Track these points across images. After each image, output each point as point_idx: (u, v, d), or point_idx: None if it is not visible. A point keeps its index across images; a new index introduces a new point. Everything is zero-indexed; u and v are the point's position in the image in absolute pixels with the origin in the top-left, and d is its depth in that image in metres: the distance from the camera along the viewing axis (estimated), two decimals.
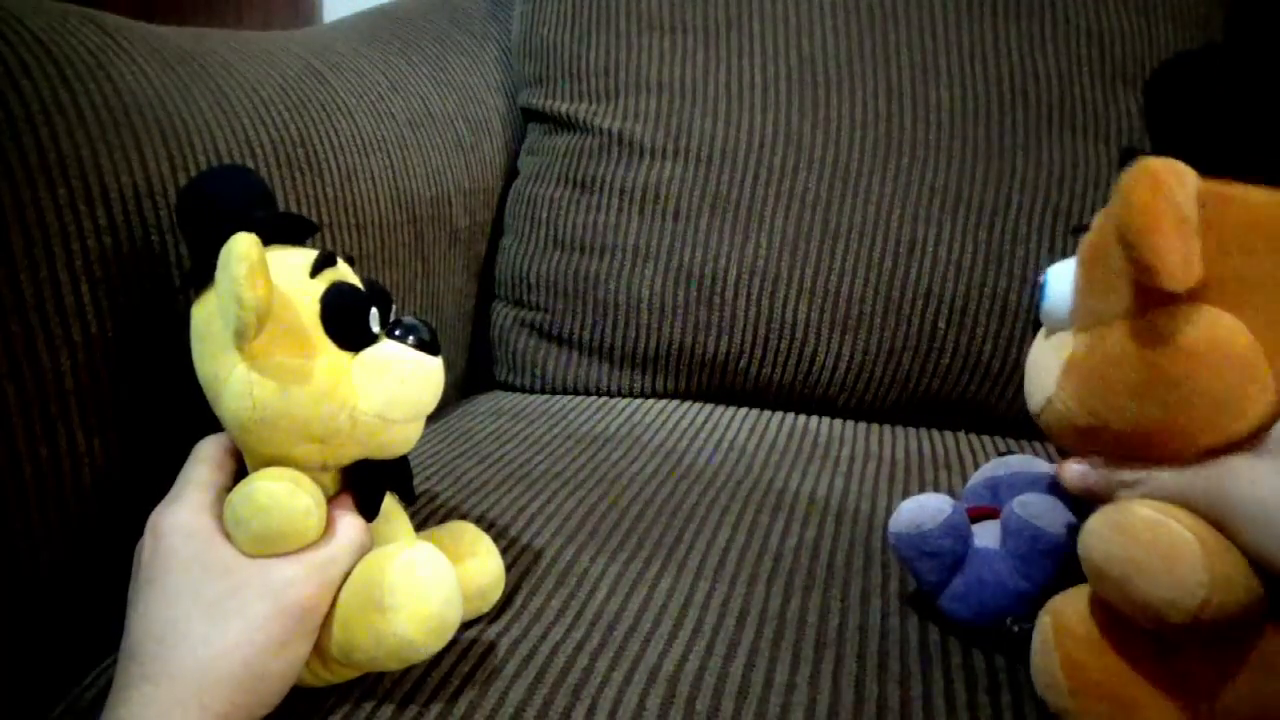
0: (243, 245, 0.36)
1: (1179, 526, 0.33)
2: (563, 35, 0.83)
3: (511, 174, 0.88)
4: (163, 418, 0.48)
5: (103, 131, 0.47)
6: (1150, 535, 0.33)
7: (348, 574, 0.39)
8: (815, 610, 0.47)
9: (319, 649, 0.38)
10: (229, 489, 0.40)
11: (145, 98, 0.50)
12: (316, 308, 0.39)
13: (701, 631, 0.45)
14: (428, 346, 0.41)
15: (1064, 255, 0.41)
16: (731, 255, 0.76)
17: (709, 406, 0.78)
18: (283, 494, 0.37)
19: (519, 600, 0.48)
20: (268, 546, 0.38)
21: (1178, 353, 0.34)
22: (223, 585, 0.36)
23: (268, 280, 0.36)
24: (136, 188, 0.47)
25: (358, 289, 0.41)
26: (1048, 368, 0.39)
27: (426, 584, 0.38)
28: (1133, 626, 0.35)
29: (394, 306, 0.43)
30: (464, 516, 0.56)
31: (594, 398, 0.79)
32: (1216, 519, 0.33)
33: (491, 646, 0.44)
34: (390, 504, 0.45)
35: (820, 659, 0.44)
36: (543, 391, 0.82)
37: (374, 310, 0.41)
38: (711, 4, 0.80)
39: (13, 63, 0.44)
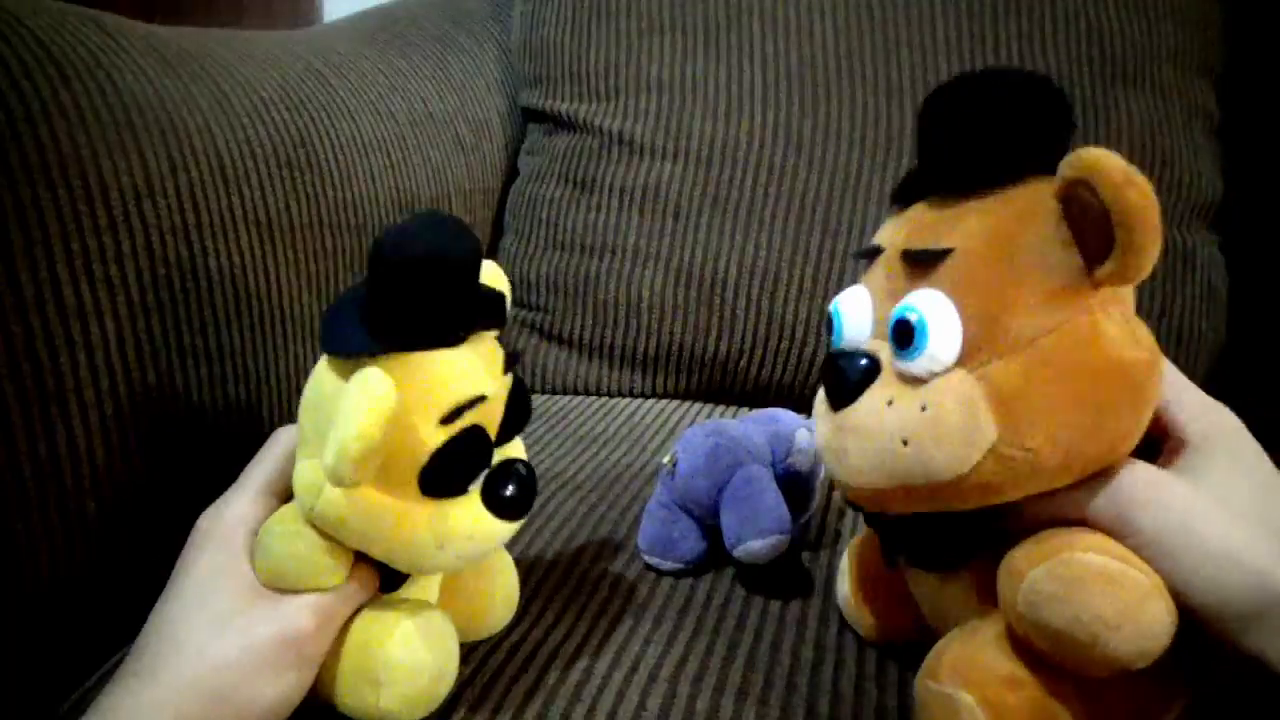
0: (369, 417, 0.32)
1: (1135, 572, 0.31)
2: (563, 35, 0.83)
3: (511, 174, 0.88)
4: (163, 417, 0.48)
5: (103, 131, 0.47)
6: (1113, 587, 0.30)
7: (353, 615, 0.38)
8: (815, 614, 0.47)
9: (316, 676, 0.38)
10: (288, 490, 0.39)
11: (145, 98, 0.50)
12: (424, 461, 0.35)
13: (701, 632, 0.45)
14: (514, 507, 0.38)
15: None
16: (731, 255, 0.76)
17: (709, 406, 0.78)
18: (317, 549, 0.36)
19: (519, 600, 0.47)
20: (282, 584, 0.37)
21: (1141, 353, 0.32)
22: (233, 603, 0.36)
23: (376, 462, 0.33)
24: (136, 188, 0.47)
25: (478, 447, 0.36)
26: (947, 422, 0.32)
27: (421, 662, 0.37)
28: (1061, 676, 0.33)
29: (522, 428, 0.39)
30: None
31: (594, 398, 0.79)
32: (1116, 526, 0.32)
33: (492, 647, 0.44)
34: None
35: (820, 662, 0.44)
36: (543, 391, 0.82)
37: (482, 475, 0.37)
38: (711, 4, 0.80)
39: (13, 63, 0.44)
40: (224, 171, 0.54)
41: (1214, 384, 0.34)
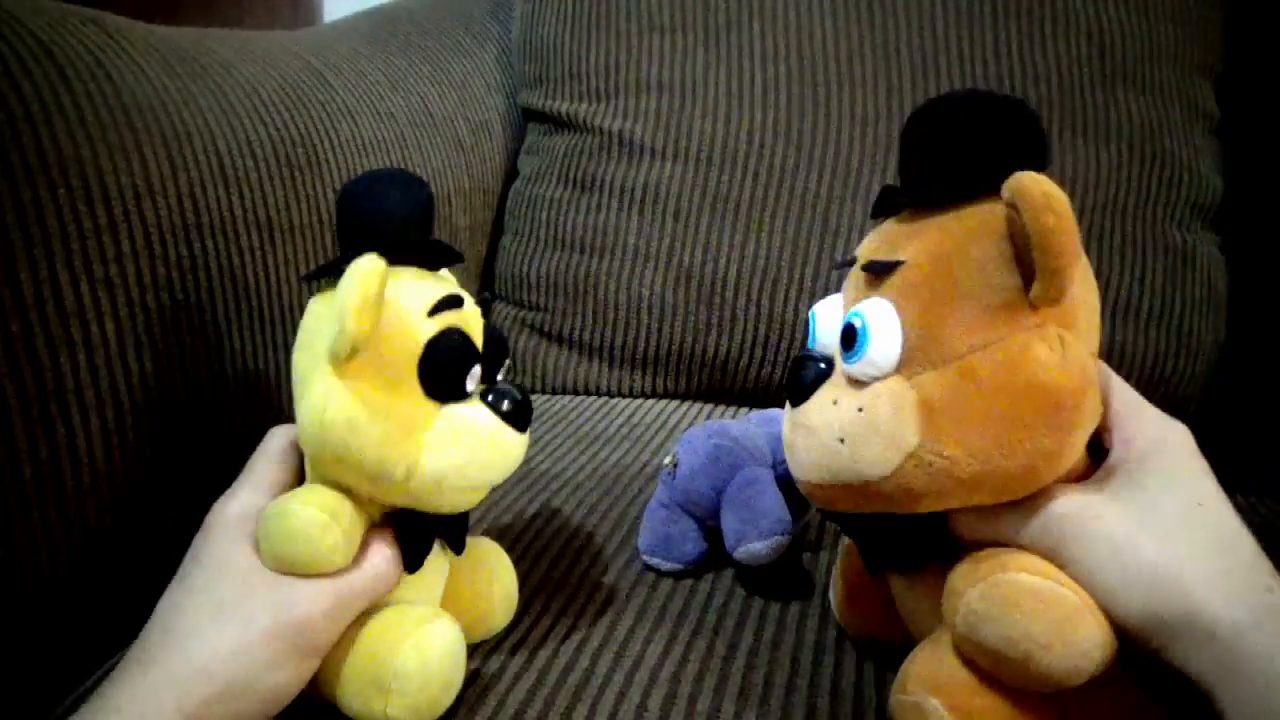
0: (363, 275, 0.34)
1: (1065, 591, 0.32)
2: (563, 35, 0.83)
3: (511, 174, 0.88)
4: (163, 418, 0.48)
5: (103, 131, 0.47)
6: (1043, 606, 0.31)
7: (363, 608, 0.38)
8: (815, 615, 0.47)
9: (319, 675, 0.38)
10: (289, 484, 0.40)
11: (145, 98, 0.50)
12: (419, 351, 0.37)
13: (702, 632, 0.45)
14: (515, 418, 0.39)
15: None
16: (731, 255, 0.76)
17: (709, 406, 0.78)
18: (316, 526, 0.36)
19: (520, 601, 0.47)
20: (287, 568, 0.37)
21: (1068, 376, 0.32)
22: (233, 589, 0.36)
23: (376, 316, 0.34)
24: (136, 188, 0.47)
25: (466, 342, 0.38)
26: (877, 423, 0.34)
27: (432, 673, 0.37)
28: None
29: (506, 363, 0.41)
30: None
31: (594, 398, 0.79)
32: (1049, 555, 0.33)
33: (492, 647, 0.44)
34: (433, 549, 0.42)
35: (820, 662, 0.44)
36: (543, 391, 0.82)
37: (476, 369, 0.39)
38: (711, 4, 0.80)
39: (13, 63, 0.44)
40: (224, 171, 0.54)
41: (1214, 384, 0.35)
